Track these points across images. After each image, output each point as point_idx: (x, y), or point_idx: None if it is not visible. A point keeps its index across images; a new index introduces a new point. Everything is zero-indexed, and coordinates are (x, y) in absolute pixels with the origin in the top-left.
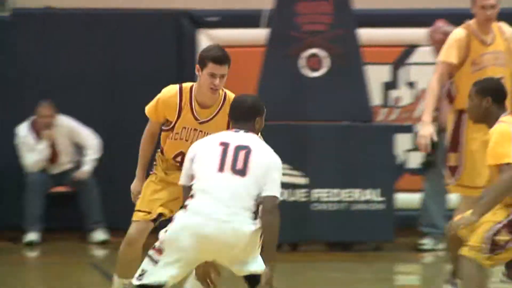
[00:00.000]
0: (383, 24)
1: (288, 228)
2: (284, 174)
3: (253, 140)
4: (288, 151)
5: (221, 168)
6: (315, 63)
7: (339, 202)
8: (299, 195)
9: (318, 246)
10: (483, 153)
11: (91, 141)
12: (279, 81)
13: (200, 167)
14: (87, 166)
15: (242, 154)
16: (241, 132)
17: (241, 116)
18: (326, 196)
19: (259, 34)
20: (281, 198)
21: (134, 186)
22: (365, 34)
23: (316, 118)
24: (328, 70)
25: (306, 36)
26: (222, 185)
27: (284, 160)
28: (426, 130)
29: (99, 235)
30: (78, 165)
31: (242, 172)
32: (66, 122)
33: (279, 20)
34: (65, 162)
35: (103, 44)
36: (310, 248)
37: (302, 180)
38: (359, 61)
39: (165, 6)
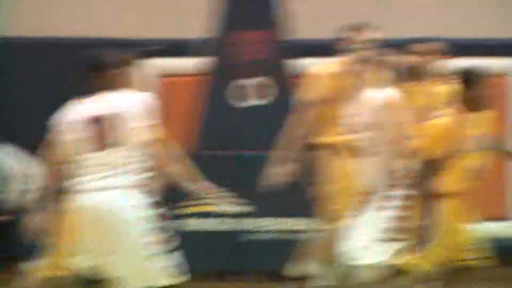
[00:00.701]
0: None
1: (216, 257)
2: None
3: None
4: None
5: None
6: (255, 92)
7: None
8: (233, 224)
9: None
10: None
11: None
12: (220, 110)
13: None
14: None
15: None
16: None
17: (99, 76)
18: (265, 226)
19: (191, 63)
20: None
21: None
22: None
23: (253, 148)
24: (270, 99)
25: (246, 65)
26: (102, 161)
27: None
28: None
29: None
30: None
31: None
32: None
33: (219, 49)
34: None
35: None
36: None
37: (240, 209)
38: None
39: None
